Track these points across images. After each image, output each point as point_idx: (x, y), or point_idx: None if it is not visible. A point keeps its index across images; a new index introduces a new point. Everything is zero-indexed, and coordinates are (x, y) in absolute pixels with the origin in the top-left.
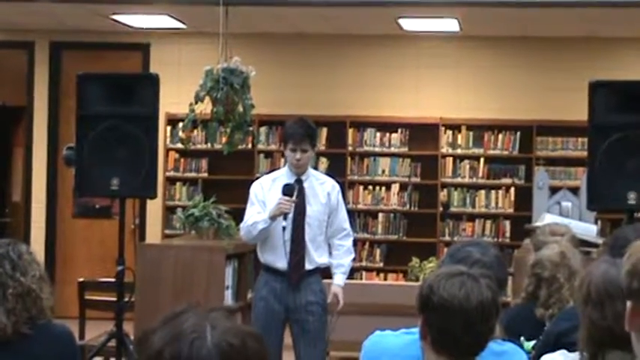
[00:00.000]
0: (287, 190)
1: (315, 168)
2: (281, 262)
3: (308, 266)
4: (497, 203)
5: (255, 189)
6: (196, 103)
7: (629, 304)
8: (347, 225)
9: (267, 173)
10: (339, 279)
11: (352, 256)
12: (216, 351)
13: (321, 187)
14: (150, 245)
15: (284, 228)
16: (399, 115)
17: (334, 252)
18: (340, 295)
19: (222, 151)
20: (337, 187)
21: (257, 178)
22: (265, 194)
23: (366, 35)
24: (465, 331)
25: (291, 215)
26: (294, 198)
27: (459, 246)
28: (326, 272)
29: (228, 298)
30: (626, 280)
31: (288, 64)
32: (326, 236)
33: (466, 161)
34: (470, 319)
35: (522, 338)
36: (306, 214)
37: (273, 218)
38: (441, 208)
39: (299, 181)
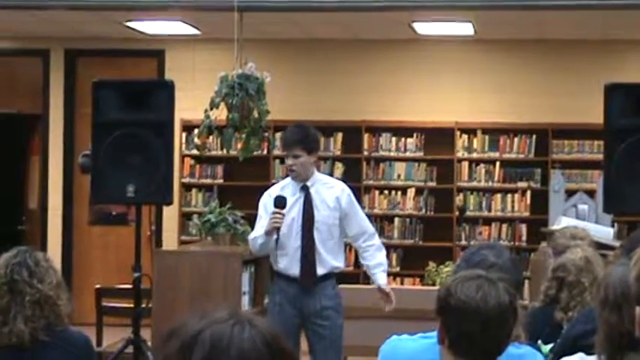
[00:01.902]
0: (278, 202)
1: (331, 173)
2: (293, 269)
3: (321, 271)
4: (513, 207)
5: (265, 201)
6: (211, 109)
7: (638, 309)
8: (368, 226)
9: (283, 179)
10: (381, 278)
11: (384, 251)
12: (257, 335)
13: (329, 192)
14: (166, 251)
15: (276, 240)
16: (415, 119)
17: (364, 254)
18: (390, 292)
19: (238, 157)
20: (347, 190)
21: (273, 184)
22: (274, 205)
23: (380, 40)
24: (482, 334)
25: (300, 222)
26: (285, 210)
27: (473, 250)
28: (340, 276)
29: (245, 303)
30: (635, 285)
31: (303, 70)
32: (340, 240)
33: (482, 165)
34: (487, 322)
35: (540, 341)
36: (315, 220)
37: (268, 234)
38: (457, 213)
39: (305, 188)
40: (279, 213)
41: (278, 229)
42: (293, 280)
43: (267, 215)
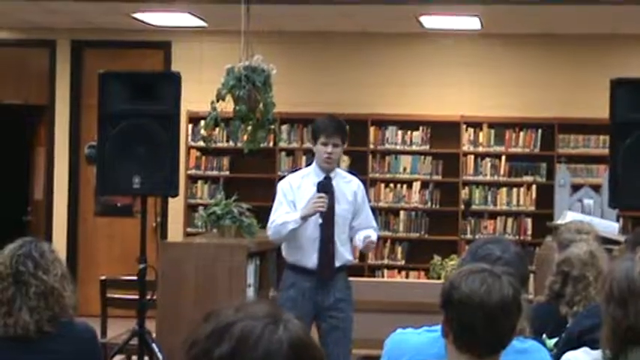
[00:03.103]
0: (322, 187)
1: (337, 166)
2: (311, 261)
3: (337, 263)
4: (518, 201)
5: (284, 187)
6: (218, 101)
7: None
8: (373, 222)
9: (291, 172)
10: (364, 234)
11: (376, 234)
12: (287, 339)
13: (347, 186)
14: (172, 243)
15: (321, 225)
16: (421, 113)
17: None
18: (368, 241)
19: (244, 150)
20: (362, 185)
21: (280, 177)
22: (295, 193)
23: (387, 33)
24: (485, 328)
25: (319, 213)
26: (327, 196)
27: (479, 243)
28: (350, 270)
29: (250, 296)
30: None
31: (310, 62)
32: (349, 234)
33: (487, 159)
34: (491, 316)
35: (544, 336)
36: (335, 213)
37: (304, 218)
38: (462, 206)
39: (328, 179)
40: (324, 197)
41: (321, 213)
42: (308, 273)
43: (289, 204)
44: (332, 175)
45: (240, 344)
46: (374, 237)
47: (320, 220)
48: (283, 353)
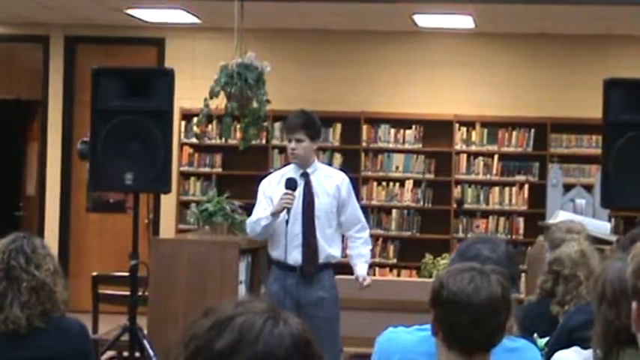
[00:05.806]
0: (290, 184)
1: (329, 164)
2: (291, 258)
3: (320, 259)
4: (511, 200)
5: (264, 185)
6: (211, 98)
7: (634, 304)
8: (361, 217)
9: (282, 167)
10: (361, 269)
11: (370, 247)
12: (288, 333)
13: (328, 181)
14: (164, 240)
15: (287, 222)
16: (414, 111)
17: (352, 244)
18: (365, 282)
19: (237, 147)
20: (347, 179)
21: (270, 174)
22: (273, 190)
23: (380, 31)
24: (473, 326)
25: (300, 209)
26: (296, 192)
27: (468, 243)
28: (336, 267)
29: (242, 293)
30: (632, 280)
31: (303, 60)
32: (337, 229)
33: (480, 158)
34: (478, 314)
35: (535, 335)
36: (315, 207)
37: (275, 215)
38: (454, 205)
39: (305, 175)
40: (291, 194)
41: (288, 210)
42: (291, 269)
43: (267, 200)
44: (310, 169)
45: (241, 337)
46: (367, 280)
47: (301, 216)
48: (284, 347)
